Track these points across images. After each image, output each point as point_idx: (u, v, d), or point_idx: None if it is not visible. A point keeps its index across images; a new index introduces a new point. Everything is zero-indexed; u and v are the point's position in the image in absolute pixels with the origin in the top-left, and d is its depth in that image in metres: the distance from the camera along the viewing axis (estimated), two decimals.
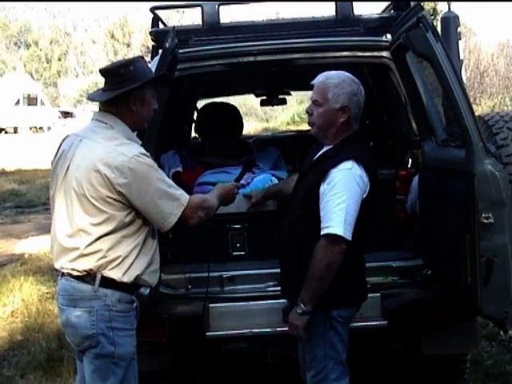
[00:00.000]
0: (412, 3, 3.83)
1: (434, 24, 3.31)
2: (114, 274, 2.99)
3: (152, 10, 4.52)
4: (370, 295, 3.48)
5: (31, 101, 38.39)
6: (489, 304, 3.13)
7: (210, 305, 3.84)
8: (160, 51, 3.87)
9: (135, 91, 3.07)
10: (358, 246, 3.19)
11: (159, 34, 4.38)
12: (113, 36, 60.09)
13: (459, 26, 3.79)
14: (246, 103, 27.67)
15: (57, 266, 3.09)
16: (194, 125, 6.30)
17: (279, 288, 3.59)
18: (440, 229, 3.61)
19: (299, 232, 3.24)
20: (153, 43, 4.59)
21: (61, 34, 64.73)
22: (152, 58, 4.42)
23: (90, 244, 2.95)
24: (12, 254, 9.38)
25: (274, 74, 5.02)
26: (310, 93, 3.40)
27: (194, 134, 6.61)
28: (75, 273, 3.00)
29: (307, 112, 3.34)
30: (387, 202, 4.19)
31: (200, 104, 6.42)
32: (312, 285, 3.08)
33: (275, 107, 16.81)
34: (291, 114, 31.91)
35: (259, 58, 4.16)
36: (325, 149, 3.31)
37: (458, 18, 3.80)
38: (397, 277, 4.01)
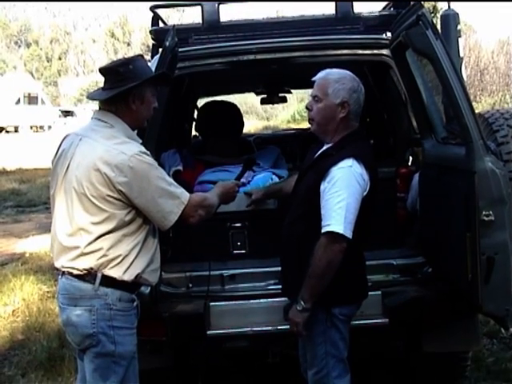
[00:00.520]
0: (412, 1, 3.83)
1: (434, 22, 3.31)
2: (115, 272, 2.99)
3: (152, 8, 4.52)
4: (370, 293, 3.48)
5: (32, 100, 38.44)
6: (489, 301, 3.13)
7: (211, 303, 3.85)
8: (160, 50, 3.86)
9: (135, 90, 3.06)
10: (358, 243, 3.19)
11: (159, 33, 4.38)
12: (113, 35, 60.16)
13: (459, 23, 3.79)
14: (247, 101, 27.73)
15: (57, 264, 3.09)
16: (194, 123, 6.30)
17: (280, 286, 3.60)
18: (440, 226, 3.61)
19: (300, 230, 3.24)
20: (153, 42, 4.59)
21: (61, 33, 64.82)
22: (152, 57, 4.42)
23: (90, 243, 2.95)
24: (13, 253, 9.38)
25: (274, 72, 5.01)
26: (310, 91, 3.41)
27: (194, 133, 6.61)
28: (76, 272, 3.00)
29: (307, 108, 3.35)
30: (388, 199, 4.20)
31: (200, 102, 6.43)
32: (312, 282, 3.08)
33: (275, 105, 16.79)
34: (292, 112, 31.96)
35: (259, 57, 4.15)
36: (325, 147, 3.31)
37: (458, 15, 3.79)
38: (397, 275, 4.01)
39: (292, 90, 7.97)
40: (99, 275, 2.98)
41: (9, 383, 5.04)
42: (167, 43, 3.69)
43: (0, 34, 62.07)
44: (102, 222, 2.95)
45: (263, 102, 7.86)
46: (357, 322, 3.50)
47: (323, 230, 3.05)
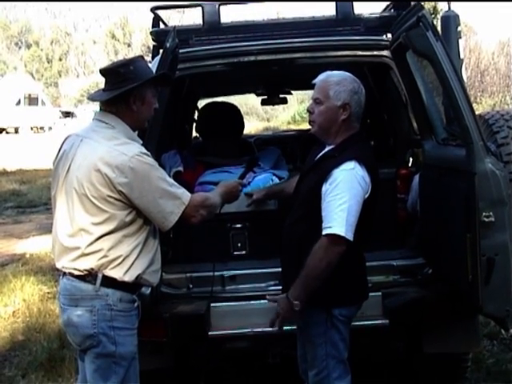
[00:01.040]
0: (412, 2, 3.84)
1: (435, 23, 3.32)
2: (115, 273, 2.99)
3: (153, 9, 4.52)
4: (371, 294, 3.49)
5: (32, 101, 38.43)
6: (490, 302, 3.14)
7: (212, 304, 3.85)
8: (161, 51, 3.87)
9: (135, 91, 3.07)
10: (359, 245, 3.20)
11: (160, 34, 4.39)
12: (113, 36, 60.15)
13: (459, 24, 3.79)
14: (247, 103, 27.73)
15: (58, 265, 3.09)
16: (194, 124, 6.30)
17: (280, 287, 3.60)
18: (441, 227, 3.61)
19: (300, 231, 3.25)
20: (153, 43, 4.59)
21: (61, 34, 64.81)
22: (153, 58, 4.42)
23: (91, 243, 2.96)
24: (13, 253, 9.38)
25: (274, 73, 5.02)
26: (310, 92, 3.41)
27: (194, 134, 6.62)
28: (76, 272, 3.01)
29: (308, 111, 3.35)
30: (388, 200, 4.20)
31: (201, 104, 6.43)
32: (308, 281, 3.07)
33: (276, 106, 16.82)
34: (292, 113, 31.98)
35: (260, 58, 4.16)
36: (327, 148, 3.31)
37: (458, 16, 3.80)
38: (398, 276, 4.01)
39: (292, 91, 7.97)
40: (100, 276, 2.98)
41: None
42: (168, 44, 3.70)
43: (0, 35, 62.08)
44: (102, 223, 2.95)
45: (264, 103, 7.87)
46: (357, 323, 3.49)
47: (324, 232, 3.05)
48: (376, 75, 4.99)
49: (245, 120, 5.51)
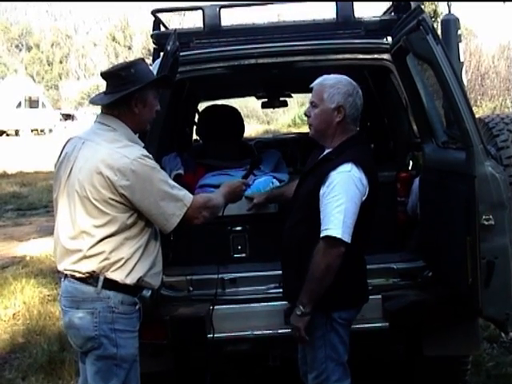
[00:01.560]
0: (412, 4, 3.85)
1: (435, 26, 3.32)
2: (117, 275, 3.00)
3: (153, 12, 4.53)
4: (371, 297, 3.49)
5: (32, 103, 38.47)
6: (489, 305, 3.14)
7: (212, 307, 3.85)
8: (161, 54, 3.88)
9: (137, 93, 3.08)
10: (359, 247, 3.20)
11: (161, 37, 4.39)
12: (114, 38, 60.22)
13: (459, 28, 3.80)
14: (248, 105, 27.72)
15: (60, 267, 3.10)
16: (195, 127, 6.31)
17: (280, 290, 3.61)
18: (441, 230, 3.62)
19: (300, 234, 3.25)
20: (154, 46, 4.60)
21: (62, 36, 64.89)
22: (153, 61, 4.43)
23: (92, 246, 2.96)
24: (13, 256, 9.39)
25: (275, 76, 5.03)
26: (310, 95, 3.42)
27: (195, 137, 6.62)
28: (78, 274, 3.01)
29: (305, 114, 3.37)
30: (388, 203, 4.20)
31: (201, 106, 6.43)
32: (311, 286, 3.09)
33: (276, 109, 16.80)
34: (292, 116, 31.96)
35: (260, 61, 4.16)
36: (326, 151, 3.32)
37: (459, 20, 3.81)
38: (398, 278, 4.01)
39: (293, 94, 7.97)
40: (101, 278, 2.99)
41: None
42: (168, 47, 3.71)
43: (1, 38, 62.15)
44: (104, 225, 2.96)
45: (264, 106, 7.87)
46: (357, 326, 3.50)
47: (322, 235, 3.06)
48: (376, 78, 5.00)
49: (245, 123, 5.52)
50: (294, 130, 24.73)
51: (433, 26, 3.27)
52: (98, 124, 3.14)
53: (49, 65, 61.57)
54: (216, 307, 3.84)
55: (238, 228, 4.21)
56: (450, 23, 3.78)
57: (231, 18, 4.93)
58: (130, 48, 58.82)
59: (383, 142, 5.13)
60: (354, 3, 4.35)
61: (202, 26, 4.40)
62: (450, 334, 3.92)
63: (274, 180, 4.34)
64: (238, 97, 9.10)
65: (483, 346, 5.01)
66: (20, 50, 63.08)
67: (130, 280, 3.02)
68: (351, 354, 3.36)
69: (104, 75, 3.17)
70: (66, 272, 3.06)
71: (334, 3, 4.37)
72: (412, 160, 4.48)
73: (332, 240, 3.03)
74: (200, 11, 4.40)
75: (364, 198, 3.13)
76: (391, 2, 4.53)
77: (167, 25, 4.88)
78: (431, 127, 3.95)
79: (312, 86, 3.34)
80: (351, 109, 3.23)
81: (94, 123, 3.19)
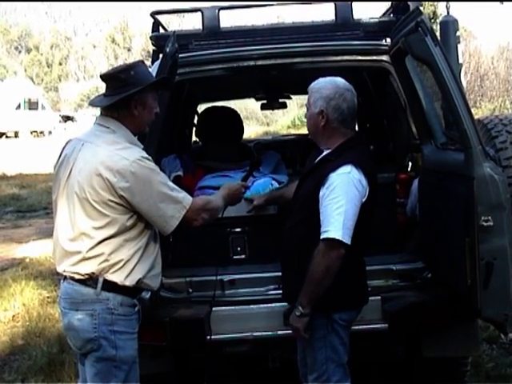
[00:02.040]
0: (411, 5, 3.85)
1: (434, 28, 3.33)
2: (116, 277, 3.00)
3: (152, 14, 4.53)
4: (370, 298, 3.50)
5: (32, 105, 38.42)
6: (488, 306, 3.15)
7: (211, 308, 3.85)
8: (161, 56, 3.88)
9: (136, 96, 3.08)
10: (358, 249, 3.21)
11: (160, 39, 4.40)
12: (113, 40, 60.24)
13: (458, 29, 3.81)
14: (247, 107, 27.73)
15: (59, 269, 3.10)
16: (194, 129, 6.31)
17: (280, 291, 3.61)
18: (440, 232, 3.62)
19: (300, 235, 3.26)
20: (153, 48, 4.60)
21: (61, 38, 64.90)
22: (153, 63, 4.43)
23: (92, 247, 2.97)
24: (13, 258, 9.38)
25: (274, 78, 5.03)
26: None
27: (194, 138, 6.62)
28: (77, 276, 3.01)
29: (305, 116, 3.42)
30: (387, 205, 4.20)
31: (200, 108, 6.44)
32: (310, 288, 3.10)
33: (276, 111, 16.82)
34: (292, 117, 31.96)
35: (259, 63, 4.17)
36: (325, 152, 3.33)
37: (457, 22, 3.81)
38: (397, 280, 4.01)
39: (292, 96, 7.99)
40: (101, 280, 2.99)
41: None
42: (168, 49, 3.71)
43: (0, 40, 62.15)
44: (103, 227, 2.96)
45: (263, 107, 7.88)
46: (356, 327, 3.50)
47: (322, 237, 3.07)
48: (375, 80, 5.00)
49: (244, 124, 5.52)
50: (294, 131, 24.71)
51: (431, 28, 3.28)
52: (98, 126, 3.15)
53: (48, 67, 61.56)
54: (215, 309, 3.84)
55: (238, 229, 4.21)
56: (449, 25, 3.79)
57: (230, 19, 4.93)
58: (129, 50, 58.86)
59: (382, 143, 5.13)
60: (353, 5, 4.35)
61: (201, 27, 4.41)
62: (450, 335, 3.92)
63: (274, 181, 4.34)
64: (237, 98, 9.10)
65: (482, 347, 5.01)
66: (19, 52, 63.09)
67: (130, 282, 3.03)
68: (351, 355, 3.36)
69: (104, 77, 3.17)
70: (65, 274, 3.07)
71: (332, 5, 4.37)
72: (411, 161, 4.48)
73: (332, 242, 3.04)
74: (199, 13, 4.40)
75: (364, 200, 3.13)
76: (390, 3, 4.53)
77: (166, 27, 4.88)
78: (430, 128, 3.96)
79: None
80: (334, 113, 3.24)
81: (94, 125, 3.19)
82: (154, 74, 3.47)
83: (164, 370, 4.06)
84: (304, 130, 3.53)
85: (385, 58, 4.15)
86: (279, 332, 3.75)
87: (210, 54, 4.21)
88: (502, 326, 3.27)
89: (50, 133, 37.60)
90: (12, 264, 8.96)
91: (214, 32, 4.35)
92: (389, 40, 4.11)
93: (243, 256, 4.22)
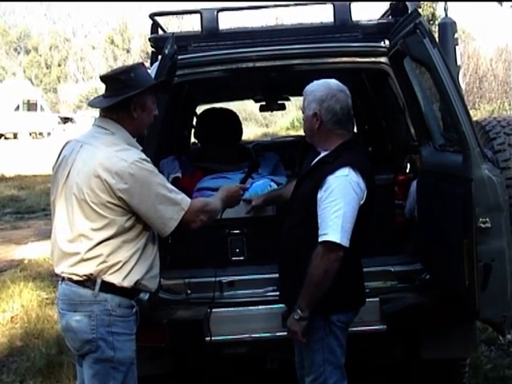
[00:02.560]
0: (409, 7, 3.85)
1: (433, 29, 3.33)
2: (114, 278, 3.00)
3: (151, 16, 4.54)
4: (368, 300, 3.50)
5: (31, 106, 38.41)
6: (487, 308, 3.15)
7: (210, 310, 3.85)
8: (159, 57, 3.88)
9: (136, 98, 3.09)
10: (356, 251, 3.21)
11: (159, 40, 4.40)
12: (112, 42, 60.18)
13: (456, 31, 3.81)
14: (246, 108, 27.74)
15: (57, 270, 3.10)
16: (193, 130, 6.31)
17: (278, 293, 3.61)
18: (438, 233, 3.62)
19: (298, 237, 3.26)
20: (152, 49, 4.61)
21: (60, 39, 64.83)
22: (151, 64, 4.43)
23: (90, 249, 2.97)
24: (11, 259, 9.38)
25: (272, 79, 5.03)
26: None
27: (193, 140, 6.63)
28: (75, 277, 3.01)
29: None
30: (386, 206, 4.21)
31: (199, 110, 6.44)
32: (309, 291, 3.10)
33: (275, 112, 16.84)
34: (290, 119, 32.01)
35: (258, 64, 4.17)
36: (322, 154, 3.33)
37: (456, 24, 3.82)
38: (395, 281, 4.01)
39: (291, 98, 7.99)
40: (99, 281, 2.99)
41: None
42: (166, 51, 3.71)
43: None
44: (102, 229, 2.96)
45: (262, 109, 7.88)
46: (355, 329, 3.50)
47: (320, 239, 3.07)
48: (374, 81, 5.01)
49: (243, 126, 5.53)
50: (293, 132, 24.74)
51: (430, 30, 3.29)
52: (97, 127, 3.15)
53: (47, 68, 61.49)
54: (214, 310, 3.84)
55: (236, 231, 4.22)
56: (447, 26, 3.80)
57: (229, 21, 4.94)
58: (128, 51, 58.80)
59: (381, 144, 5.14)
60: (352, 7, 4.35)
61: (199, 29, 4.41)
62: (448, 337, 3.92)
63: (272, 183, 4.34)
64: (236, 100, 9.09)
65: (481, 349, 5.02)
66: (18, 53, 63.01)
67: (128, 283, 3.03)
68: (349, 356, 3.36)
69: (103, 79, 3.17)
70: (63, 275, 3.07)
71: (331, 7, 4.37)
72: (409, 163, 4.49)
73: (330, 245, 3.04)
74: (198, 15, 4.41)
75: (362, 202, 3.13)
76: (389, 5, 4.54)
77: (165, 28, 4.88)
78: (428, 130, 3.96)
79: None
80: (327, 114, 3.25)
81: (93, 126, 3.20)
82: (152, 76, 3.47)
83: (163, 372, 4.06)
84: (303, 132, 3.53)
85: (383, 59, 4.16)
86: (278, 333, 3.75)
87: (208, 55, 4.21)
88: (500, 328, 3.28)
89: (49, 134, 37.56)
90: (10, 265, 8.96)
91: (213, 34, 4.36)
92: (387, 42, 4.12)
93: (242, 257, 4.22)
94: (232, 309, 3.91)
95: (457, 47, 3.81)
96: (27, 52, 62.68)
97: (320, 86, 3.30)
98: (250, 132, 25.53)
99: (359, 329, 3.65)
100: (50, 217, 3.25)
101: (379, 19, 4.59)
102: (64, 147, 3.21)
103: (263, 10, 4.97)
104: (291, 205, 3.41)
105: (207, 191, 4.15)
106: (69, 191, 3.02)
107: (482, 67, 23.82)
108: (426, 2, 20.91)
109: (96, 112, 3.27)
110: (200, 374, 4.21)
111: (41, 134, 38.70)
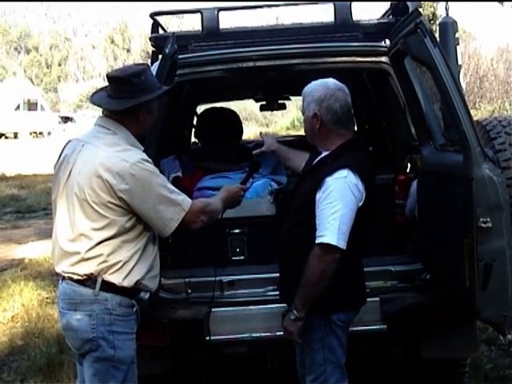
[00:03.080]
0: (410, 6, 3.85)
1: (434, 29, 3.33)
2: (115, 278, 3.00)
3: (152, 15, 4.53)
4: (369, 299, 3.50)
5: (31, 106, 38.40)
6: (487, 308, 3.15)
7: (210, 309, 3.85)
8: (160, 57, 3.88)
9: (146, 102, 3.08)
10: (356, 251, 3.20)
11: (159, 40, 4.40)
12: (113, 41, 60.22)
13: (457, 31, 3.81)
14: (246, 108, 27.76)
15: (58, 269, 3.10)
16: (193, 130, 6.31)
17: (278, 292, 3.61)
18: (439, 233, 3.62)
19: (297, 236, 3.25)
20: (153, 49, 4.61)
21: (61, 39, 64.87)
22: (152, 64, 4.42)
23: (90, 248, 2.97)
24: (12, 259, 9.38)
25: (273, 79, 5.03)
26: None
27: (193, 139, 6.63)
28: (76, 277, 3.01)
29: None
30: (386, 206, 4.21)
31: (200, 109, 6.44)
32: (305, 291, 3.09)
33: (275, 112, 16.84)
34: (291, 118, 32.01)
35: (258, 64, 4.17)
36: (323, 154, 3.33)
37: (456, 23, 3.82)
38: (396, 281, 4.01)
39: (291, 97, 7.99)
40: (99, 280, 2.99)
41: None
42: (167, 50, 3.71)
43: (0, 40, 62.12)
44: (102, 228, 2.96)
45: (262, 108, 7.88)
46: (355, 329, 3.50)
47: (317, 241, 3.06)
48: (374, 81, 5.01)
49: (244, 125, 5.53)
50: (293, 132, 24.76)
51: (430, 29, 3.29)
52: (98, 127, 3.14)
53: (47, 67, 61.52)
54: (214, 309, 3.85)
55: (236, 230, 4.22)
56: (448, 26, 3.80)
57: (229, 20, 4.94)
58: (128, 51, 58.84)
59: (381, 144, 5.13)
60: (352, 6, 4.35)
61: (200, 28, 4.41)
62: (448, 337, 3.92)
63: (273, 182, 4.35)
64: (236, 99, 9.10)
65: (481, 349, 5.02)
66: (19, 53, 63.02)
67: (128, 283, 3.03)
68: (350, 356, 3.36)
69: (112, 78, 3.12)
70: (63, 274, 3.07)
71: (332, 6, 4.37)
72: (410, 162, 4.49)
73: (327, 247, 3.03)
74: (198, 14, 4.41)
75: (360, 204, 3.12)
76: (389, 4, 4.53)
77: (166, 28, 4.88)
78: (429, 130, 3.96)
79: None
80: (327, 114, 3.23)
81: (94, 126, 3.19)
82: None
83: (163, 371, 4.06)
84: (303, 131, 3.52)
85: (384, 59, 4.16)
86: (278, 333, 3.72)
87: (209, 55, 4.22)
88: (500, 328, 3.28)
89: (50, 134, 37.56)
90: (11, 265, 8.96)
91: (214, 33, 4.35)
92: (388, 41, 4.11)
93: (242, 257, 4.23)
94: (232, 308, 3.91)
95: (457, 47, 3.81)
96: (27, 51, 62.71)
97: (318, 86, 3.29)
98: (251, 131, 25.49)
99: (359, 328, 3.65)
100: (51, 216, 3.26)
101: (380, 19, 4.59)
102: (65, 146, 3.20)
103: (263, 9, 4.97)
104: (291, 204, 3.41)
105: (207, 191, 4.15)
106: (70, 191, 3.02)
107: (483, 67, 23.79)
108: (426, 2, 20.92)
109: (96, 112, 3.26)
110: (200, 373, 4.22)
111: (41, 133, 38.70)
